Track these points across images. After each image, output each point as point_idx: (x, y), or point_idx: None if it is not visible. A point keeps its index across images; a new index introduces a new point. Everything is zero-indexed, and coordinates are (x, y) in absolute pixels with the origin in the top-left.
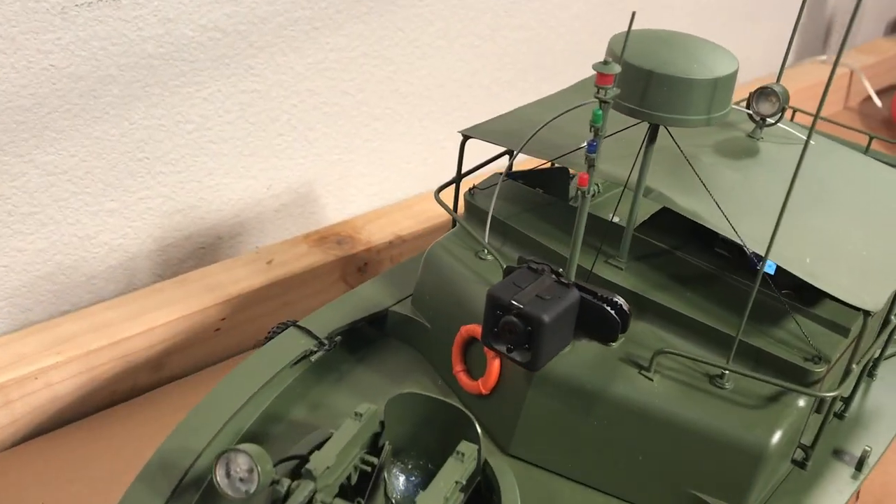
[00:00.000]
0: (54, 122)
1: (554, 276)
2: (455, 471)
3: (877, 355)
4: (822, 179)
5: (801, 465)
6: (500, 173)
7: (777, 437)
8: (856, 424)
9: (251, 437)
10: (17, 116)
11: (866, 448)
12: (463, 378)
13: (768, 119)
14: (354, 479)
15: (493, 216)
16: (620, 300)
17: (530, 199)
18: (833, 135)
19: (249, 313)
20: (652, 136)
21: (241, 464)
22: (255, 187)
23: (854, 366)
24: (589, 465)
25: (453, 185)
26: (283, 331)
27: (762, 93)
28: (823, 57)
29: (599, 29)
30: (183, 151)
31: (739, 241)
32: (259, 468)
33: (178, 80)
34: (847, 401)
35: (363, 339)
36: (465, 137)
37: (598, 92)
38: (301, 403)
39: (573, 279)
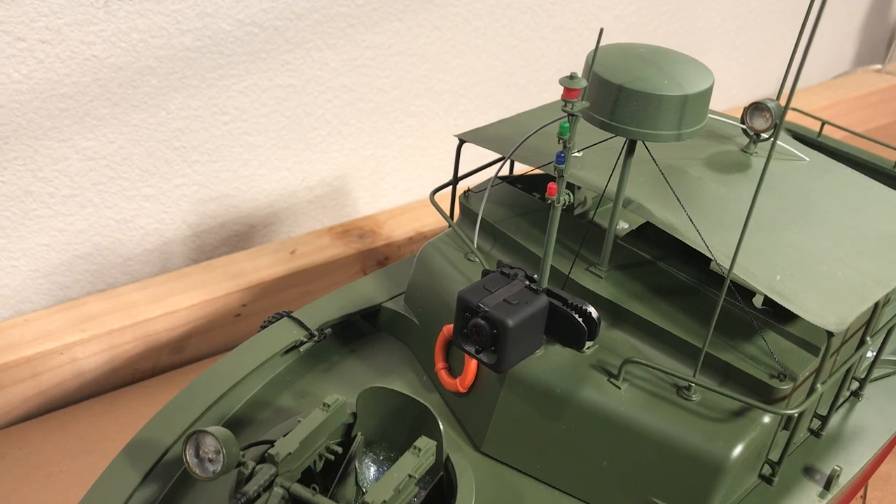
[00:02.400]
0: (95, 109)
1: (527, 281)
2: (409, 464)
3: (863, 376)
4: (813, 197)
5: (767, 480)
6: (496, 177)
7: (738, 450)
8: (833, 443)
9: (237, 421)
10: (60, 103)
11: (836, 468)
12: (443, 375)
13: (762, 134)
14: (319, 466)
15: (484, 219)
16: (590, 308)
17: (525, 203)
18: (863, 149)
19: (270, 301)
20: (630, 148)
21: (208, 445)
22: (289, 179)
23: (819, 385)
24: (556, 468)
25: (451, 187)
26: (277, 321)
27: (756, 108)
28: (879, 66)
29: (641, 31)
30: (218, 142)
31: (709, 255)
32: (224, 450)
33: (214, 73)
34: (824, 419)
35: (356, 332)
36: (462, 141)
37: (565, 105)
38: (289, 392)
39: (545, 285)
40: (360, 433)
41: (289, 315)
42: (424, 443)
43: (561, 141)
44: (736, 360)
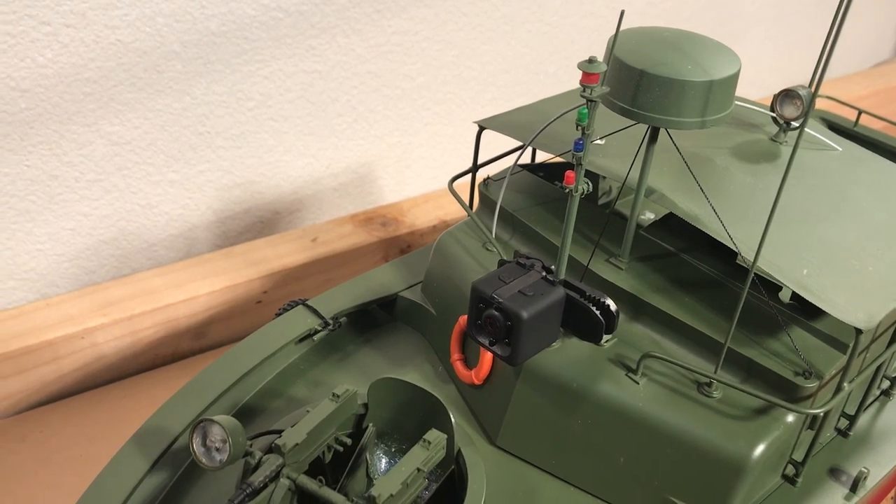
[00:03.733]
0: (119, 94)
1: (544, 272)
2: (418, 457)
3: (894, 375)
4: (845, 189)
5: (791, 480)
6: (516, 165)
7: (760, 450)
8: (861, 444)
9: (249, 410)
10: (85, 88)
11: (863, 469)
12: (459, 367)
13: (792, 123)
14: (328, 457)
15: (503, 208)
16: (608, 301)
17: (546, 192)
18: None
19: (291, 288)
20: (653, 136)
21: (215, 434)
22: (314, 166)
23: (846, 384)
24: (571, 464)
25: (470, 175)
26: (292, 308)
27: (787, 95)
28: None
29: (675, 18)
30: (243, 128)
31: (733, 247)
32: (231, 440)
33: (239, 58)
34: (852, 419)
35: (372, 321)
36: (481, 128)
37: (583, 90)
38: (302, 381)
39: (562, 276)
40: (371, 424)
41: (304, 303)
42: (434, 436)
43: (579, 128)
44: (759, 357)
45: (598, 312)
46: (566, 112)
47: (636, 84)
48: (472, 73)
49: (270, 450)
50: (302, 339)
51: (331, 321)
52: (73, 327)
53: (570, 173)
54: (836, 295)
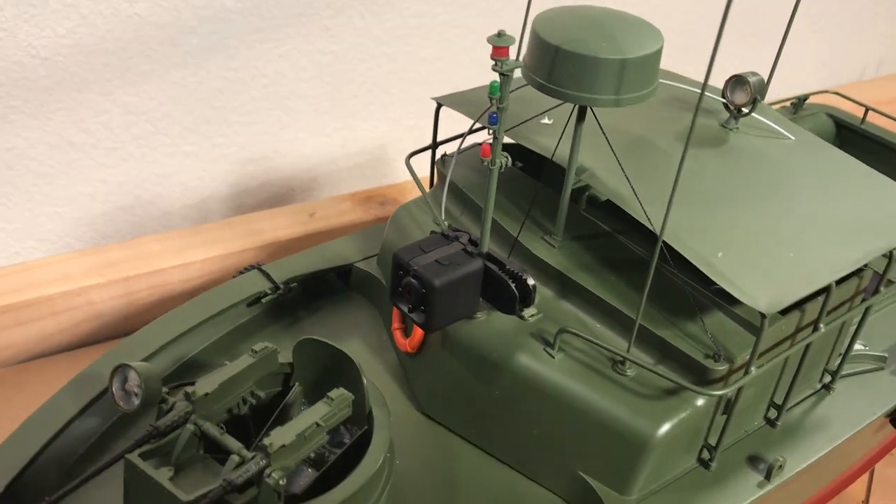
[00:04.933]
0: (136, 65)
1: (469, 244)
2: (318, 412)
3: (834, 368)
4: (788, 177)
5: (705, 464)
6: (462, 142)
7: (664, 429)
8: (789, 435)
9: (194, 364)
10: (102, 59)
11: (778, 458)
12: (398, 336)
13: (743, 109)
14: (244, 410)
15: (456, 185)
16: (527, 275)
17: (504, 173)
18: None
19: None
20: (580, 114)
21: (132, 379)
22: (329, 145)
23: (753, 368)
24: (489, 434)
25: (429, 152)
26: (248, 272)
27: (737, 82)
28: None
29: (708, 12)
30: (258, 104)
31: (648, 225)
32: (144, 385)
33: (255, 36)
34: (779, 408)
35: (328, 290)
36: (439, 105)
37: (495, 64)
38: (250, 341)
39: (485, 249)
40: (297, 384)
41: (258, 267)
42: (338, 393)
43: (493, 101)
44: (673, 338)
45: (513, 285)
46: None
47: (552, 60)
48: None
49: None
50: (254, 302)
51: (281, 286)
52: (71, 285)
53: (485, 146)
54: (745, 278)
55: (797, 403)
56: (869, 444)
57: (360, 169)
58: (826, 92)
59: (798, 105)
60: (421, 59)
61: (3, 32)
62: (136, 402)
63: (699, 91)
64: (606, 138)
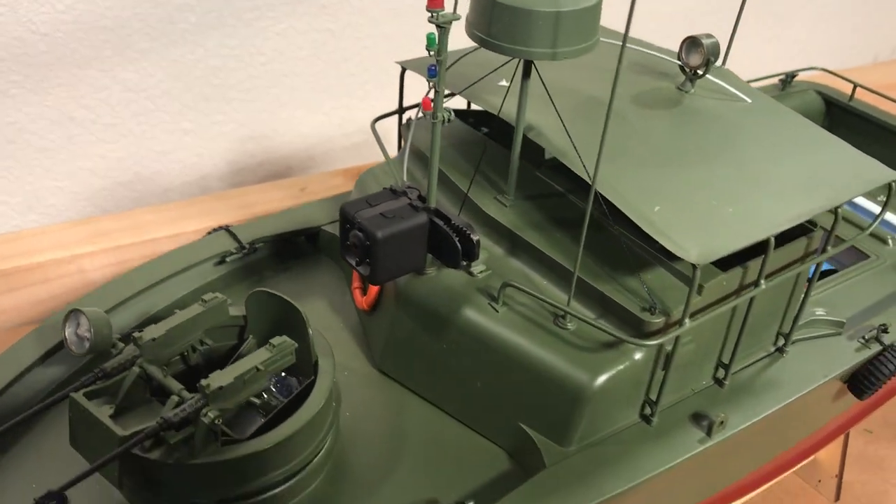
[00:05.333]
0: (135, 43)
1: (417, 200)
2: (259, 357)
3: (787, 331)
4: (738, 137)
5: (647, 419)
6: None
7: (601, 380)
8: (736, 395)
9: (160, 318)
10: (102, 35)
11: (720, 414)
12: (356, 295)
13: (698, 71)
14: (193, 358)
15: (418, 149)
16: (471, 231)
17: (465, 135)
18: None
19: None
20: (525, 70)
21: (83, 324)
22: (327, 124)
23: (686, 320)
24: (438, 388)
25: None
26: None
27: (692, 44)
28: None
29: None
30: (256, 82)
31: (585, 177)
32: (93, 330)
33: (252, 14)
34: (727, 368)
35: (298, 252)
36: (404, 69)
37: (430, 16)
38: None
39: (433, 205)
40: (251, 336)
41: (227, 228)
42: (280, 340)
43: (431, 53)
44: (612, 292)
45: (456, 239)
46: (465, 54)
47: (490, 14)
48: None
49: None
50: (222, 262)
51: (247, 246)
52: (62, 252)
53: (426, 100)
54: (678, 231)
55: (749, 365)
56: (831, 412)
57: (357, 148)
58: (814, 69)
59: (786, 82)
60: (418, 39)
61: (3, 8)
62: (88, 346)
63: (662, 57)
64: (548, 93)
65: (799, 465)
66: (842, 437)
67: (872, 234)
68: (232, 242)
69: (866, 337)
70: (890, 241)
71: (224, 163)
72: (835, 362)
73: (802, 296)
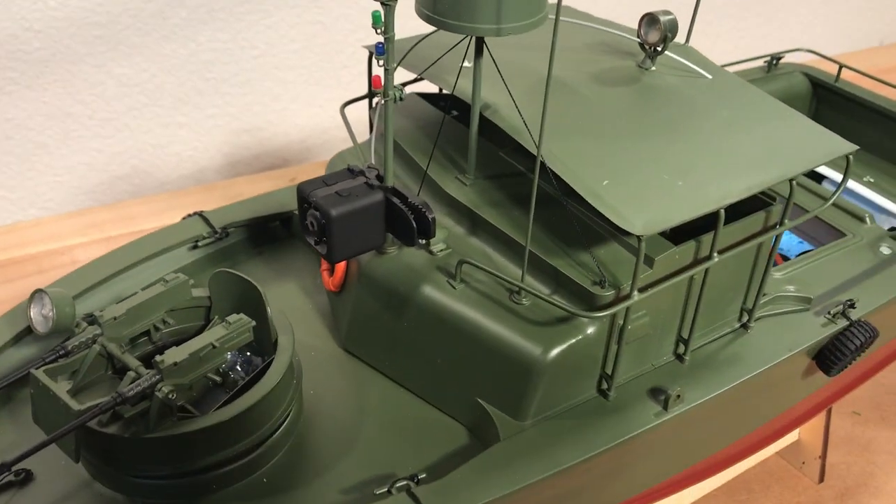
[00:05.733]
0: (127, 38)
1: (375, 179)
2: (214, 335)
3: (750, 307)
4: (695, 112)
5: (604, 394)
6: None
7: (554, 353)
8: (696, 370)
9: None
10: (95, 31)
11: (676, 389)
12: (325, 277)
13: (657, 48)
14: (156, 336)
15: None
16: (427, 209)
17: (434, 118)
18: (887, 98)
19: None
20: (477, 49)
21: (46, 304)
22: (322, 116)
23: (635, 293)
24: (400, 366)
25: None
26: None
27: (650, 21)
28: None
29: None
30: (249, 75)
31: (532, 150)
32: (56, 309)
33: (242, 7)
34: (686, 343)
35: (271, 236)
36: (371, 53)
37: None
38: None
39: (391, 183)
40: (217, 316)
41: (200, 214)
42: (236, 318)
43: (378, 31)
44: (564, 267)
45: (412, 216)
46: (424, 33)
47: None
48: None
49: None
50: (194, 247)
51: (219, 230)
52: (55, 244)
53: (376, 78)
54: (625, 204)
55: (712, 341)
56: (803, 388)
57: None
58: (799, 50)
59: (772, 64)
60: (412, 28)
61: None
62: (51, 325)
63: (622, 35)
64: (499, 70)
65: (778, 445)
66: (824, 419)
67: (850, 213)
68: (205, 227)
69: (832, 312)
70: (867, 220)
71: (220, 155)
72: (799, 337)
73: (764, 270)
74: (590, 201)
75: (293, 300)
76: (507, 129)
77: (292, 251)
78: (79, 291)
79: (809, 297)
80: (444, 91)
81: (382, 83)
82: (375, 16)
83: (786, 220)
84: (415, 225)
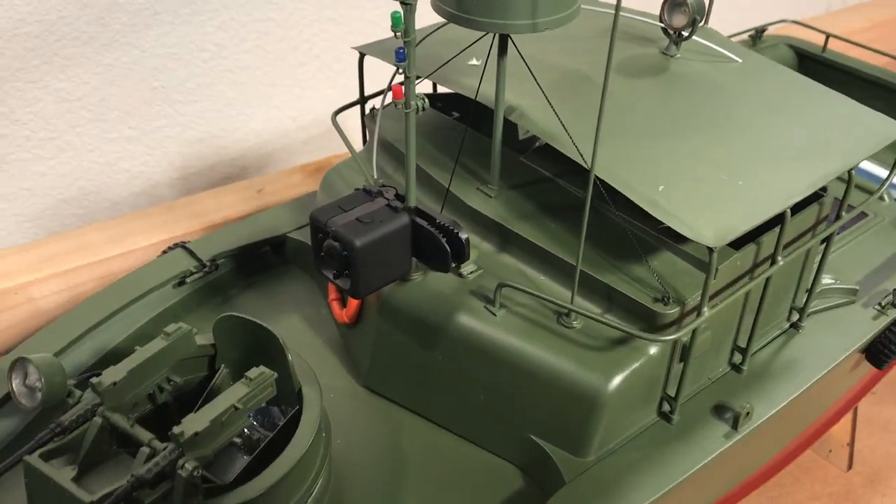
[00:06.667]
0: (63, 49)
1: (395, 199)
2: (236, 395)
3: (801, 305)
4: (736, 102)
5: (666, 417)
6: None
7: (616, 382)
8: (756, 380)
9: (119, 354)
10: (27, 43)
11: (744, 405)
12: (335, 307)
13: (683, 33)
14: (162, 398)
15: (387, 140)
16: (459, 229)
17: (437, 122)
18: (874, 65)
19: None
20: (501, 46)
21: (31, 373)
22: (280, 118)
23: (705, 309)
24: (435, 403)
25: (360, 107)
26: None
27: (673, 3)
28: None
29: None
30: (199, 80)
31: (582, 162)
32: (44, 379)
33: (187, 8)
34: (744, 352)
35: (263, 264)
36: (362, 55)
37: None
38: (171, 324)
39: (412, 203)
40: (223, 366)
41: (183, 245)
42: (257, 372)
43: (397, 35)
44: (618, 283)
45: (444, 240)
46: (433, 31)
47: None
48: None
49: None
50: (180, 283)
51: (207, 263)
52: (6, 282)
53: (396, 87)
54: (689, 212)
55: (764, 346)
56: (847, 383)
57: (315, 141)
58: (785, 21)
59: (756, 37)
60: (369, 21)
61: None
62: (40, 397)
63: (642, 20)
64: (529, 69)
65: (818, 441)
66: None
67: (867, 191)
68: (190, 261)
69: (882, 304)
70: (885, 197)
71: (173, 169)
72: (853, 334)
73: (816, 266)
74: (650, 211)
75: (298, 335)
76: (541, 134)
77: (288, 278)
78: (60, 348)
79: (855, 289)
80: (444, 91)
81: (403, 93)
82: (395, 17)
83: (843, 213)
84: (448, 248)
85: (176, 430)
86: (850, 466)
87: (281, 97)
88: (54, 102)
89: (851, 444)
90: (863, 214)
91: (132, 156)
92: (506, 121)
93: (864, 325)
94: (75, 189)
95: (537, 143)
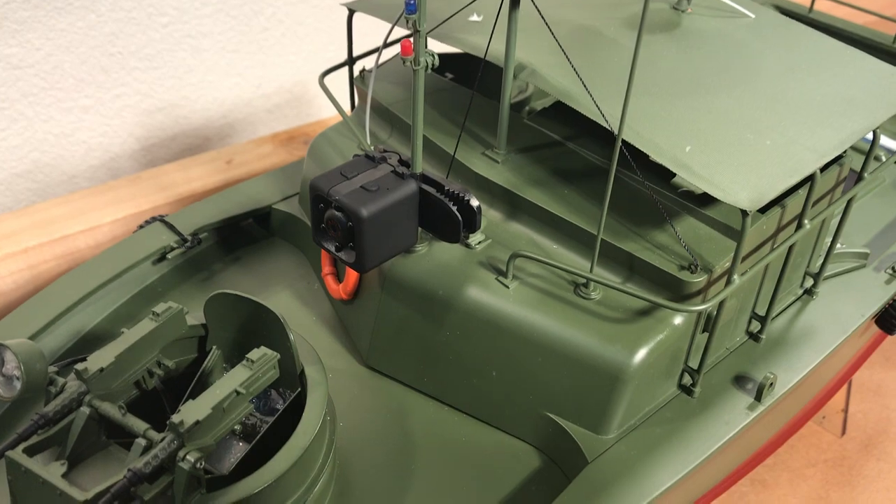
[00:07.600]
0: (13, 12)
1: (399, 165)
2: (237, 379)
3: (816, 270)
4: (754, 58)
5: (688, 390)
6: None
7: (641, 355)
8: (775, 348)
9: (96, 336)
10: None
11: (768, 375)
12: (330, 282)
13: None
14: (151, 383)
15: (380, 104)
16: (469, 196)
17: (432, 83)
18: (860, 25)
19: None
20: (513, 1)
21: (9, 360)
22: (243, 86)
23: (736, 276)
24: (442, 381)
25: (347, 68)
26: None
27: None
28: None
29: None
30: (158, 46)
31: (605, 124)
32: (24, 367)
33: None
34: (763, 320)
35: (247, 238)
36: (351, 11)
37: None
38: (160, 304)
39: (419, 170)
40: (214, 347)
41: (161, 219)
42: (259, 354)
43: None
44: (640, 251)
45: (454, 208)
46: None
47: None
48: None
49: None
50: (160, 259)
51: (189, 237)
52: None
53: (406, 43)
54: (720, 172)
55: (780, 313)
56: (854, 349)
57: (280, 109)
58: None
59: None
60: None
61: None
62: (18, 386)
63: None
64: (545, 22)
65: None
66: None
67: (863, 152)
68: (170, 235)
69: (894, 267)
70: (883, 157)
71: (133, 139)
72: (867, 299)
73: (833, 231)
74: (680, 174)
75: (290, 313)
76: (555, 92)
77: (274, 252)
78: (34, 331)
79: (866, 252)
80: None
81: (412, 48)
82: None
83: (865, 175)
84: (459, 217)
85: (175, 418)
86: (843, 432)
87: (244, 63)
88: (4, 70)
89: (846, 410)
90: (861, 176)
91: (89, 126)
92: (495, 73)
93: (877, 291)
94: (29, 161)
95: (531, 104)
